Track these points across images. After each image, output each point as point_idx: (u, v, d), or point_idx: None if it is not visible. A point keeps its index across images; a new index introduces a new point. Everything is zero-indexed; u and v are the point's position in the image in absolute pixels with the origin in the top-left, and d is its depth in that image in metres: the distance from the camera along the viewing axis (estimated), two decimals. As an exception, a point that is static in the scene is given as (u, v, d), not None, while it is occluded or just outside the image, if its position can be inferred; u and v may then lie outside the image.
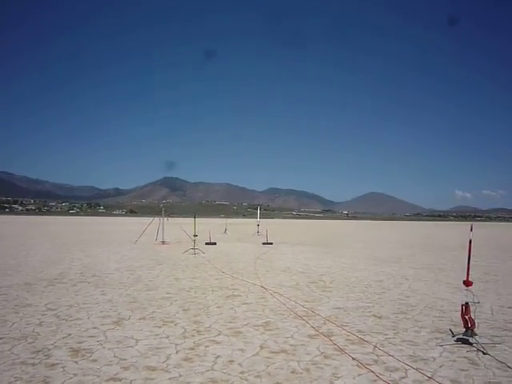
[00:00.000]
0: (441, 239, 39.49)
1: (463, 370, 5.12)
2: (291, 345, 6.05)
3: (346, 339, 6.35)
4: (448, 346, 6.04)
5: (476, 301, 6.34)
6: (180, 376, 4.83)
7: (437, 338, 6.44)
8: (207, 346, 5.93)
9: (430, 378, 4.85)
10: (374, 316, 7.86)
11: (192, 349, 5.82)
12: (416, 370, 5.09)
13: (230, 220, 66.20)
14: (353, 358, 5.48)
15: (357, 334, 6.59)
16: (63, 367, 5.05)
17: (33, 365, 5.11)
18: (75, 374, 4.82)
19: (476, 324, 6.31)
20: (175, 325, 7.06)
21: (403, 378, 4.86)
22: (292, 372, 5.00)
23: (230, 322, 7.25)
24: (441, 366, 5.23)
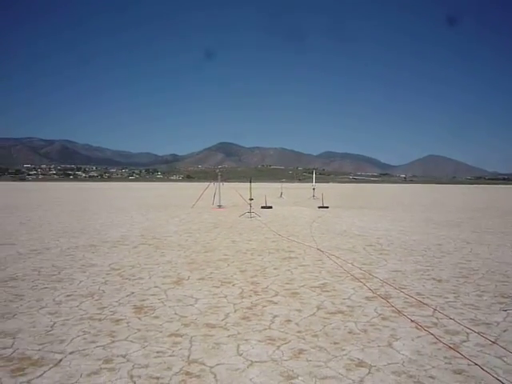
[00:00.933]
0: (504, 203, 37.95)
1: (528, 335, 4.93)
2: (348, 306, 6.03)
3: (405, 301, 6.26)
4: (512, 311, 5.83)
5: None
6: (238, 334, 4.93)
7: (500, 303, 6.22)
8: (264, 306, 6.00)
9: (493, 342, 4.71)
10: (434, 279, 7.69)
11: (250, 308, 5.91)
12: (478, 333, 4.95)
13: (285, 184, 66.25)
14: (411, 321, 5.40)
15: (415, 297, 6.48)
16: (127, 323, 5.26)
17: (99, 320, 5.36)
18: (139, 330, 5.02)
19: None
20: (233, 285, 7.19)
21: (464, 341, 4.74)
22: (349, 332, 4.99)
23: (287, 284, 7.31)
24: (505, 331, 5.06)
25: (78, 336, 4.81)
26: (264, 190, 47.65)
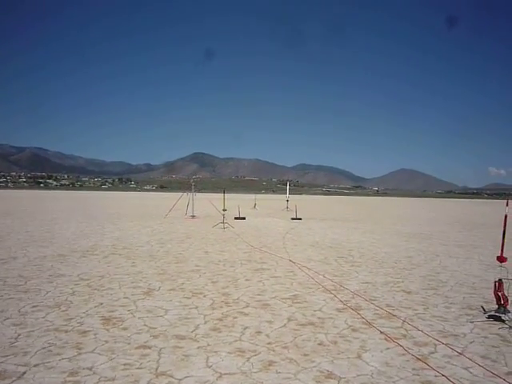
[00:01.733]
0: (473, 217, 38.74)
1: (494, 347, 5.02)
2: (319, 318, 6.05)
3: (375, 313, 6.31)
4: (479, 323, 5.93)
5: (510, 277, 6.19)
6: (208, 345, 4.89)
7: (468, 315, 6.33)
8: (235, 318, 5.97)
9: (460, 353, 4.78)
10: (404, 291, 7.78)
11: (220, 320, 5.87)
12: (446, 345, 5.02)
13: (259, 196, 66.22)
14: (381, 332, 5.44)
15: (385, 309, 6.54)
16: (95, 334, 5.16)
17: (66, 331, 5.24)
18: (106, 341, 4.93)
19: (509, 301, 6.17)
20: (204, 296, 7.13)
21: (432, 352, 4.80)
22: (319, 344, 5.00)
23: (258, 295, 7.29)
24: (471, 342, 5.15)
25: (43, 348, 4.69)
26: (238, 200, 47.63)
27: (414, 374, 4.22)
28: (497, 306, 6.08)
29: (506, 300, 6.04)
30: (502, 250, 6.34)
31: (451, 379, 4.10)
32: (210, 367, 4.31)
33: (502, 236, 6.34)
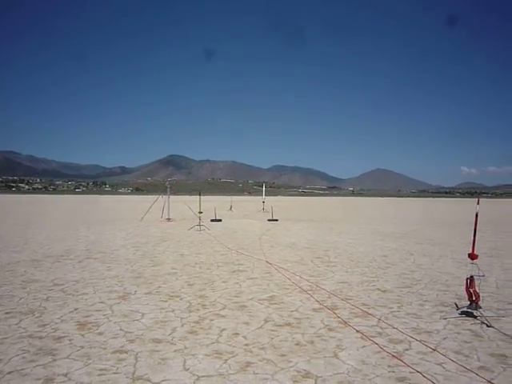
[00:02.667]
0: (446, 215, 39.45)
1: (467, 342, 5.13)
2: (296, 318, 6.08)
3: (351, 312, 6.38)
4: (452, 319, 6.05)
5: (481, 274, 6.32)
6: (185, 348, 4.87)
7: (441, 312, 6.45)
8: (212, 320, 5.96)
9: (433, 349, 4.87)
10: (379, 290, 7.88)
11: (197, 322, 5.86)
12: (420, 341, 5.11)
13: (235, 197, 66.13)
14: (357, 331, 5.50)
15: (361, 308, 6.62)
16: (70, 340, 5.09)
17: (40, 338, 5.16)
18: (82, 347, 4.87)
19: (480, 297, 6.30)
20: (180, 299, 7.11)
21: (407, 349, 4.88)
22: (296, 344, 5.03)
23: (235, 297, 7.29)
24: (444, 338, 5.25)
25: (17, 355, 4.61)
26: (214, 203, 47.49)
27: (389, 371, 4.28)
28: (469, 303, 6.20)
29: (478, 296, 6.17)
30: (473, 248, 6.48)
31: (425, 375, 4.18)
32: (187, 370, 4.29)
33: (473, 234, 6.47)
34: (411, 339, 5.20)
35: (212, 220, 24.55)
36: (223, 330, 5.53)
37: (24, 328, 5.54)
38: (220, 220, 24.98)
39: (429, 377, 4.15)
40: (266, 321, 5.94)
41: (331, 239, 16.29)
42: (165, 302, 6.94)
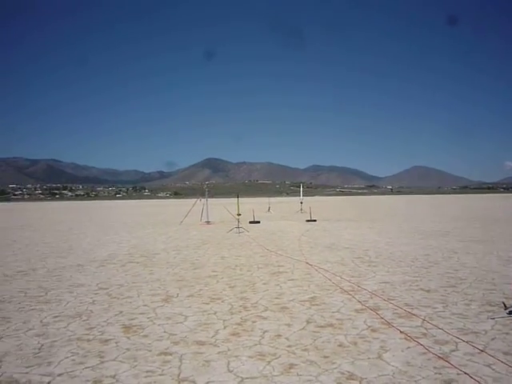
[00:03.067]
0: (490, 212, 38.34)
1: (516, 343, 4.98)
2: (338, 319, 6.04)
3: (394, 313, 6.29)
4: (500, 319, 5.88)
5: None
6: (228, 350, 4.91)
7: (488, 311, 6.28)
8: (254, 322, 5.99)
9: (481, 350, 4.74)
10: (422, 290, 7.73)
11: (239, 324, 5.90)
12: (467, 342, 4.99)
13: (273, 199, 66.19)
14: (401, 332, 5.42)
15: (404, 308, 6.52)
16: (116, 342, 5.22)
17: (88, 340, 5.31)
18: (128, 349, 4.98)
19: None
20: (222, 301, 7.17)
21: (454, 350, 4.77)
22: (339, 345, 5.00)
23: (276, 298, 7.30)
24: (493, 339, 5.10)
25: (67, 357, 4.75)
26: (252, 204, 47.66)
27: (435, 373, 4.20)
28: (517, 302, 6.02)
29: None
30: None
31: (474, 377, 4.08)
32: (231, 372, 4.33)
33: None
34: (458, 340, 5.08)
35: (250, 222, 24.65)
36: (265, 331, 5.55)
37: (72, 331, 5.70)
38: (258, 222, 25.05)
39: (477, 378, 4.04)
40: (307, 322, 5.93)
41: (371, 239, 16.10)
42: (207, 304, 7.01)
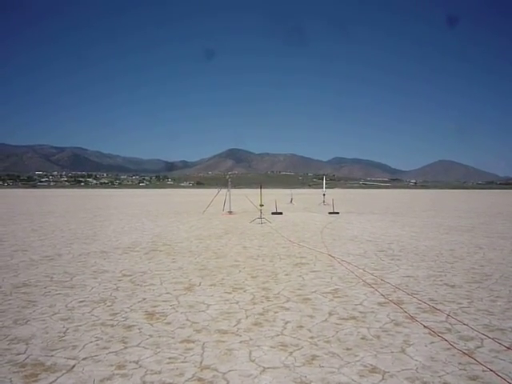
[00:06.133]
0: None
1: (544, 341, 4.87)
2: (360, 312, 6.00)
3: (417, 307, 6.22)
4: (527, 316, 5.77)
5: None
6: (250, 340, 4.92)
7: (514, 308, 6.17)
8: (276, 312, 5.99)
9: (508, 348, 4.65)
10: (447, 285, 7.62)
11: (261, 314, 5.90)
12: (492, 339, 4.90)
13: (295, 190, 65.99)
14: (424, 326, 5.36)
15: (428, 303, 6.43)
16: (139, 329, 5.27)
17: (111, 326, 5.38)
18: (151, 336, 5.03)
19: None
20: (244, 291, 7.18)
21: (479, 347, 4.70)
22: (362, 338, 4.96)
23: (299, 289, 7.28)
24: (519, 337, 5.01)
25: (91, 342, 4.82)
26: (274, 196, 47.61)
27: (460, 369, 4.14)
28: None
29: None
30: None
31: (500, 374, 4.00)
32: (253, 361, 4.34)
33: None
34: (483, 336, 4.99)
35: (273, 213, 24.64)
36: (288, 322, 5.54)
37: (96, 316, 5.79)
38: (281, 213, 25.02)
39: (503, 376, 3.97)
40: (330, 314, 5.90)
41: (394, 232, 15.95)
42: (229, 293, 7.03)
